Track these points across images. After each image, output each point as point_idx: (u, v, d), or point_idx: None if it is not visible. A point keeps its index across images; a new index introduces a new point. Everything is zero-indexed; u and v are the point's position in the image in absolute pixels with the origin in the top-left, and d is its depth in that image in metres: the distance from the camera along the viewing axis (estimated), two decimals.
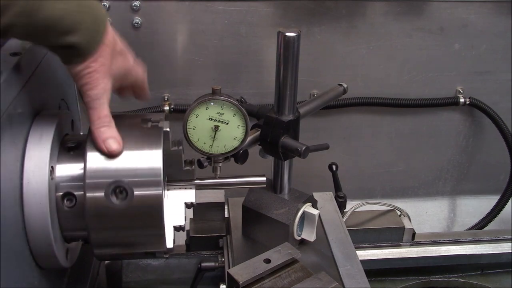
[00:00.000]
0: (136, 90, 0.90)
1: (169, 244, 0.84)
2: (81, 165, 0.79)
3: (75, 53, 0.72)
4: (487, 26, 1.57)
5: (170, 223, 0.86)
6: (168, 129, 0.83)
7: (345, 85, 1.17)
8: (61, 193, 0.80)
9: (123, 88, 0.88)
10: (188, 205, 0.90)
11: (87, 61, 0.74)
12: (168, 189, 0.88)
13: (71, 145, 0.84)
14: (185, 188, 0.90)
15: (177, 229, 0.87)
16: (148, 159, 0.80)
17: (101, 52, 0.75)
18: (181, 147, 0.88)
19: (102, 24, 0.75)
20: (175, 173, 0.89)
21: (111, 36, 0.77)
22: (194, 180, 0.91)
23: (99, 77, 0.75)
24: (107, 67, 0.76)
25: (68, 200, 0.81)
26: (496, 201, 1.72)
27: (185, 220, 0.88)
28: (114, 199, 0.78)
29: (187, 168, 0.90)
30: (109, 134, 0.78)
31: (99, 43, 0.74)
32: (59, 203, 0.81)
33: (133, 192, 0.78)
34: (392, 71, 1.61)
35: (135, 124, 0.83)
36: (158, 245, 0.83)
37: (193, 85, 1.54)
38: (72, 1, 0.70)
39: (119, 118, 0.82)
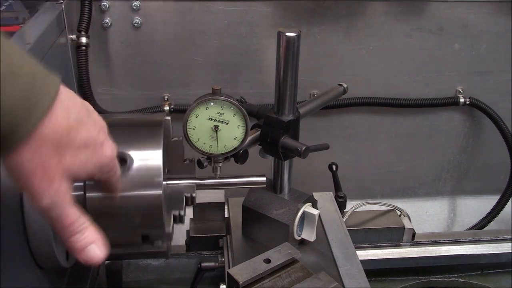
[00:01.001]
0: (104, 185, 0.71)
1: (168, 228, 0.84)
2: None
3: None
4: (487, 26, 1.57)
5: (170, 211, 0.86)
6: (168, 118, 0.83)
7: (345, 85, 1.17)
8: None
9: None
10: (188, 200, 0.89)
11: (17, 157, 0.52)
12: (168, 184, 0.88)
13: None
14: (185, 183, 0.90)
15: (176, 219, 0.86)
16: (148, 167, 0.79)
17: (36, 148, 0.53)
18: (181, 138, 0.87)
19: (41, 107, 0.52)
20: (175, 165, 0.89)
21: (60, 123, 0.54)
22: (195, 177, 0.91)
23: (41, 181, 0.55)
24: (52, 167, 0.55)
25: None
26: (496, 201, 1.72)
27: (185, 212, 0.88)
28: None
29: (187, 161, 0.90)
30: (85, 241, 0.61)
31: (28, 134, 0.51)
32: None
33: (132, 160, 0.77)
34: (392, 71, 1.61)
35: (134, 130, 0.82)
36: (158, 234, 0.82)
37: (193, 85, 1.54)
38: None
39: (119, 117, 0.82)
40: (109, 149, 0.64)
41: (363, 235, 1.42)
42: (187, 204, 0.90)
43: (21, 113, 0.50)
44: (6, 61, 0.49)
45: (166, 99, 1.54)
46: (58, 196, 0.57)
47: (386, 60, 1.59)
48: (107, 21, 1.42)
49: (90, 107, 0.62)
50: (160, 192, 0.79)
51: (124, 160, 0.77)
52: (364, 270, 1.04)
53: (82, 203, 0.78)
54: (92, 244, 0.62)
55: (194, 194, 0.89)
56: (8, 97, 0.49)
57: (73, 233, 0.60)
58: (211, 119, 0.89)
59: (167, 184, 0.87)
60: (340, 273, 1.03)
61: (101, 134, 0.62)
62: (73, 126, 0.56)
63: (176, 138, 0.87)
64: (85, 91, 1.39)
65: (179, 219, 0.87)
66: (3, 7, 1.26)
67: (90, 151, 0.59)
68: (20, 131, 0.51)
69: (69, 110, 0.56)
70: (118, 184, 0.71)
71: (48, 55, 0.95)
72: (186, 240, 1.27)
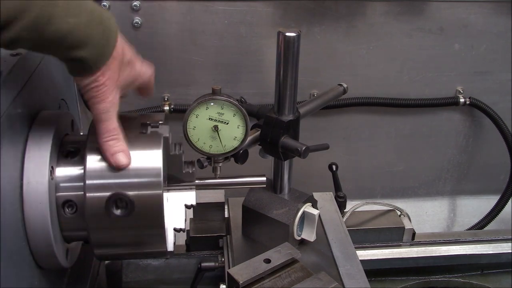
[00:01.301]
0: (141, 91, 0.89)
1: (170, 247, 0.84)
2: (81, 166, 0.79)
3: (83, 67, 0.71)
4: (487, 26, 1.57)
5: (171, 226, 0.86)
6: (167, 135, 0.83)
7: (345, 85, 1.17)
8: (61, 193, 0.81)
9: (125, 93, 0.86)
10: (188, 207, 0.90)
11: (95, 75, 0.73)
12: (168, 191, 0.88)
13: (70, 149, 0.84)
14: (185, 190, 0.90)
15: (177, 230, 0.87)
16: (147, 167, 0.79)
17: (109, 66, 0.74)
18: (181, 151, 0.88)
19: (112, 38, 0.74)
20: (175, 175, 0.89)
21: (120, 48, 0.76)
22: (194, 181, 0.91)
23: (107, 91, 0.74)
24: (114, 80, 0.75)
25: (68, 207, 0.81)
26: (496, 201, 1.72)
27: (185, 222, 0.88)
28: (114, 210, 0.78)
29: (188, 170, 0.90)
30: (118, 148, 0.77)
31: (108, 57, 0.73)
32: (59, 204, 0.81)
33: (133, 204, 0.78)
34: (392, 71, 1.61)
35: (134, 129, 0.82)
36: (159, 248, 0.83)
37: (193, 85, 1.54)
38: (83, 15, 0.69)
39: (119, 117, 0.82)
40: (139, 63, 0.82)
41: (363, 235, 1.42)
42: (187, 208, 0.90)
43: (103, 45, 0.72)
44: (88, 11, 0.70)
45: (166, 99, 1.54)
46: (112, 103, 0.76)
47: (386, 60, 1.59)
48: None
49: (123, 36, 0.80)
50: (160, 192, 0.79)
51: (125, 202, 0.78)
52: (364, 270, 1.04)
53: (82, 203, 0.78)
54: (122, 152, 0.77)
55: (194, 204, 0.89)
56: (95, 35, 0.70)
57: (112, 138, 0.77)
58: (211, 119, 0.89)
59: (166, 188, 0.87)
60: (340, 273, 1.03)
61: (133, 53, 0.81)
62: (124, 49, 0.77)
63: (175, 153, 0.87)
64: None
65: (180, 230, 0.88)
66: None
67: (130, 66, 0.80)
68: (104, 56, 0.72)
69: (121, 39, 0.76)
70: (151, 82, 0.88)
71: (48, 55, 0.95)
72: (186, 240, 1.27)
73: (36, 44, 0.68)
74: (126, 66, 0.78)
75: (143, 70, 0.84)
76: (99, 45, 0.71)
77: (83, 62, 0.70)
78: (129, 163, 0.78)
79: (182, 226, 0.87)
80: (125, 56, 0.77)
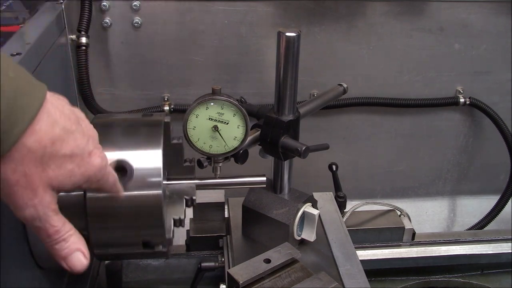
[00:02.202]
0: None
1: (169, 234, 0.84)
2: None
3: None
4: (487, 26, 1.57)
5: (170, 215, 0.86)
6: (168, 120, 0.83)
7: (345, 85, 1.17)
8: None
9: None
10: (188, 201, 0.89)
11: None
12: (168, 184, 0.88)
13: None
14: (185, 185, 0.90)
15: (176, 223, 0.86)
16: (147, 167, 0.79)
17: (19, 159, 0.54)
18: (181, 140, 0.88)
19: (23, 120, 0.52)
20: (175, 168, 0.89)
21: (45, 134, 0.55)
22: (194, 177, 0.91)
23: (24, 192, 0.55)
24: (36, 178, 0.55)
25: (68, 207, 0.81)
26: (496, 201, 1.72)
27: (185, 215, 0.88)
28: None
29: (187, 164, 0.90)
30: (69, 249, 0.61)
31: (10, 146, 0.52)
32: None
33: (132, 170, 0.77)
34: (392, 71, 1.61)
35: (134, 131, 0.82)
36: (158, 236, 0.83)
37: (193, 85, 1.54)
38: None
39: (119, 117, 0.82)
40: (98, 158, 0.62)
41: (363, 235, 1.42)
42: (187, 205, 0.90)
43: (3, 126, 0.51)
44: None
45: (166, 99, 1.54)
46: (41, 206, 0.57)
47: (386, 60, 1.59)
48: (107, 21, 1.42)
49: (81, 115, 0.62)
50: (160, 192, 0.79)
51: (124, 170, 0.77)
52: (364, 270, 1.04)
53: (82, 203, 0.78)
54: (76, 252, 0.62)
55: (194, 197, 0.89)
56: None
57: (57, 241, 0.60)
58: (211, 119, 0.89)
59: (166, 184, 0.87)
60: (340, 273, 1.03)
61: (89, 144, 0.61)
62: (59, 137, 0.56)
63: (176, 141, 0.87)
64: (85, 91, 1.39)
65: (179, 223, 0.87)
66: (3, 7, 1.26)
67: (76, 161, 0.59)
68: (3, 144, 0.51)
69: (55, 121, 0.56)
70: (113, 190, 0.70)
71: (48, 55, 0.95)
72: (186, 240, 1.27)
73: None
74: (62, 161, 0.57)
75: (107, 171, 0.65)
76: None
77: None
78: (87, 262, 0.63)
79: (182, 216, 0.86)
80: (57, 147, 0.56)
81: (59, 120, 0.57)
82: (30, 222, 0.58)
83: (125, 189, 0.76)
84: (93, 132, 0.63)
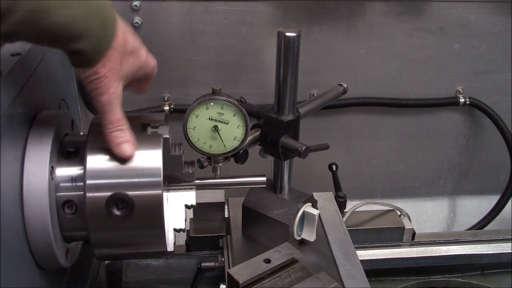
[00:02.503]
0: (141, 84, 0.88)
1: (170, 247, 0.84)
2: (81, 166, 0.79)
3: (83, 59, 0.70)
4: (487, 26, 1.57)
5: (171, 226, 0.86)
6: (167, 136, 0.83)
7: (345, 85, 1.17)
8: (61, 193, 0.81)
9: (133, 80, 0.85)
10: (188, 207, 0.90)
11: (95, 67, 0.71)
12: (168, 191, 0.88)
13: (70, 149, 0.84)
14: (185, 190, 0.90)
15: (177, 231, 0.87)
16: (147, 167, 0.79)
17: (109, 57, 0.72)
18: (181, 152, 0.87)
19: (111, 28, 0.72)
20: (175, 175, 0.89)
21: (121, 38, 0.74)
22: (194, 180, 0.91)
23: (108, 82, 0.73)
24: (116, 71, 0.74)
25: (68, 207, 0.81)
26: (496, 201, 1.72)
27: (185, 222, 0.88)
28: (115, 210, 0.78)
29: (188, 170, 0.90)
30: (122, 139, 0.77)
31: (107, 48, 0.71)
32: (59, 204, 0.81)
33: (133, 204, 0.78)
34: (392, 71, 1.61)
35: (134, 130, 0.82)
36: (159, 248, 0.83)
37: (193, 85, 1.54)
38: (80, 6, 0.67)
39: None
40: (144, 51, 0.82)
41: (363, 235, 1.42)
42: (186, 208, 0.90)
43: (102, 36, 0.70)
44: (86, 3, 0.67)
45: (166, 99, 1.54)
46: (116, 94, 0.75)
47: (386, 60, 1.59)
48: None
49: (127, 26, 0.78)
50: (160, 192, 0.79)
51: (125, 202, 0.78)
52: (364, 270, 1.04)
53: (82, 203, 0.78)
54: (127, 143, 0.77)
55: (194, 204, 0.89)
56: (93, 26, 0.68)
57: (116, 129, 0.76)
58: (211, 119, 0.89)
59: (167, 188, 0.87)
60: (340, 273, 1.03)
61: (137, 43, 0.80)
62: (125, 39, 0.75)
63: (175, 153, 0.87)
64: (85, 91, 1.39)
65: (180, 230, 0.88)
66: None
67: (134, 55, 0.78)
68: (102, 47, 0.71)
69: (122, 29, 0.75)
70: (154, 71, 0.87)
71: (48, 55, 0.95)
72: (186, 240, 1.27)
73: (33, 37, 0.67)
74: (129, 56, 0.77)
75: (148, 59, 0.84)
76: (97, 36, 0.69)
77: (82, 55, 0.69)
78: (134, 153, 0.78)
79: (182, 226, 0.87)
80: (127, 46, 0.76)
81: (123, 28, 0.75)
82: (104, 106, 0.75)
83: (127, 226, 0.79)
84: (135, 34, 0.80)
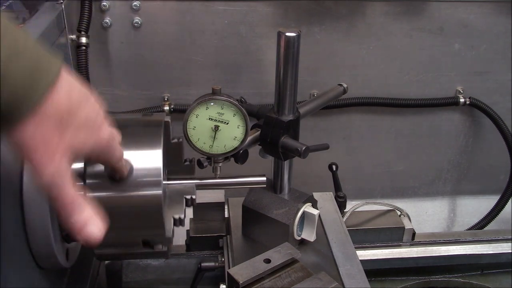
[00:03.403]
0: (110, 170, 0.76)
1: (168, 233, 0.84)
2: (81, 166, 0.79)
3: None
4: (487, 26, 1.57)
5: (170, 214, 0.86)
6: (168, 120, 0.83)
7: (345, 85, 1.17)
8: None
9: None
10: (188, 201, 0.89)
11: (17, 131, 0.54)
12: (168, 183, 0.88)
13: None
14: (185, 184, 0.90)
15: (176, 222, 0.86)
16: (147, 167, 0.79)
17: (38, 125, 0.55)
18: (181, 139, 0.88)
19: (43, 86, 0.54)
20: (175, 167, 0.89)
21: (63, 102, 0.56)
22: (194, 177, 0.91)
23: (43, 159, 0.56)
24: (53, 145, 0.57)
25: None
26: (496, 201, 1.72)
27: (185, 215, 0.88)
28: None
29: (187, 163, 0.90)
30: (84, 221, 0.62)
31: (30, 108, 0.53)
32: None
33: (132, 168, 0.77)
34: (392, 71, 1.61)
35: (134, 130, 0.82)
36: (158, 234, 0.83)
37: (193, 85, 1.54)
38: (4, 47, 0.50)
39: (119, 117, 0.82)
40: (107, 132, 0.66)
41: (363, 235, 1.42)
42: (187, 205, 0.90)
43: (25, 90, 0.52)
44: (11, 41, 0.51)
45: (166, 99, 1.54)
46: (59, 173, 0.58)
47: (386, 60, 1.59)
48: (107, 21, 1.43)
49: (89, 91, 0.63)
50: (160, 192, 0.79)
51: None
52: (364, 270, 1.04)
53: None
54: (91, 224, 0.63)
55: (194, 196, 0.89)
56: (13, 75, 0.51)
57: (72, 212, 0.61)
58: (211, 119, 0.89)
59: (166, 184, 0.87)
60: (340, 273, 1.03)
61: (99, 117, 0.64)
62: (73, 105, 0.58)
63: (176, 140, 0.87)
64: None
65: (179, 222, 0.87)
66: (3, 7, 1.26)
67: (89, 131, 0.61)
68: (24, 107, 0.53)
69: (70, 91, 0.58)
70: (118, 165, 0.73)
71: None
72: (186, 240, 1.27)
73: None
74: (77, 129, 0.59)
75: (113, 145, 0.69)
76: (18, 89, 0.52)
77: None
78: (102, 234, 0.64)
79: (182, 216, 0.86)
80: (73, 115, 0.58)
81: (73, 91, 0.59)
82: (48, 189, 0.59)
83: (128, 226, 0.78)
84: (100, 108, 0.65)
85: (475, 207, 1.85)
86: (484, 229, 1.73)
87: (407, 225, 1.43)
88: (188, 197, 0.89)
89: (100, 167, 0.78)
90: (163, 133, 0.82)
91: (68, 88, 0.58)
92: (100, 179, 0.78)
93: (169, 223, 0.85)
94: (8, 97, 0.51)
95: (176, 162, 0.90)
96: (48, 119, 0.55)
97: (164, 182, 0.81)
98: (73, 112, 0.58)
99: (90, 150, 0.64)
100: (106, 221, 0.70)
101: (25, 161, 0.59)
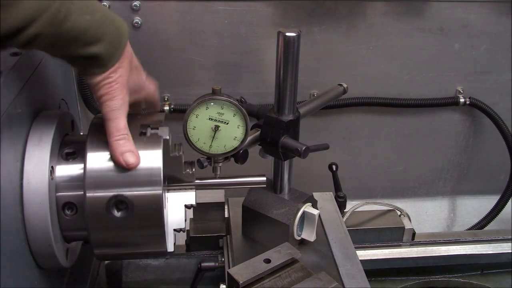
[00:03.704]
0: (147, 105, 0.92)
1: (170, 247, 0.84)
2: (81, 166, 0.79)
3: (97, 64, 0.73)
4: (487, 26, 1.57)
5: (171, 227, 0.86)
6: (167, 137, 0.83)
7: (345, 85, 1.17)
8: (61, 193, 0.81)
9: (134, 103, 0.87)
10: (188, 207, 0.90)
11: (107, 72, 0.74)
12: (168, 191, 0.88)
13: (70, 149, 0.84)
14: (185, 190, 0.90)
15: (177, 231, 0.87)
16: (147, 167, 0.79)
17: (121, 64, 0.76)
18: (181, 153, 0.88)
19: (124, 37, 0.76)
20: (175, 176, 0.89)
21: (130, 49, 0.79)
22: (194, 181, 0.91)
23: (118, 88, 0.76)
24: (125, 79, 0.77)
25: (68, 207, 0.81)
26: (496, 201, 1.72)
27: (186, 222, 0.88)
28: (115, 211, 0.78)
29: (188, 171, 0.90)
30: (127, 148, 0.77)
31: (120, 55, 0.76)
32: (59, 204, 0.81)
33: (133, 205, 0.78)
34: (392, 71, 1.61)
35: (134, 130, 0.82)
36: (159, 248, 0.83)
37: (193, 85, 1.54)
38: (98, 13, 0.72)
39: None
40: (144, 73, 0.87)
41: (363, 235, 1.42)
42: (186, 208, 0.90)
43: (116, 41, 0.75)
44: (101, 9, 0.73)
45: (166, 99, 1.54)
46: (124, 101, 0.77)
47: (386, 60, 1.59)
48: None
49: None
50: (160, 192, 0.79)
51: (125, 203, 0.78)
52: (364, 270, 1.04)
53: (82, 203, 0.78)
54: (130, 152, 0.78)
55: (194, 204, 0.89)
56: (110, 31, 0.73)
57: (121, 137, 0.77)
58: (211, 119, 0.89)
59: (167, 188, 0.87)
60: (340, 273, 1.03)
61: (139, 62, 0.85)
62: (132, 54, 0.80)
63: (176, 154, 0.87)
64: (85, 91, 1.39)
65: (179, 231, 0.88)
66: None
67: (138, 72, 0.83)
68: (117, 53, 0.75)
69: (129, 45, 0.80)
70: (155, 100, 0.93)
71: (48, 55, 0.95)
72: (186, 240, 1.27)
73: (54, 41, 0.69)
74: (134, 69, 0.81)
75: (148, 83, 0.88)
76: (112, 42, 0.74)
77: (97, 59, 0.72)
78: (137, 163, 0.78)
79: (182, 226, 0.87)
80: (133, 59, 0.81)
81: (129, 44, 0.79)
82: (112, 112, 0.76)
83: (128, 226, 0.79)
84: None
85: (475, 207, 1.85)
86: (484, 229, 1.73)
87: (407, 225, 1.43)
88: (189, 204, 0.89)
89: (100, 167, 0.78)
90: (162, 149, 0.82)
91: (129, 43, 0.79)
92: (100, 179, 0.78)
93: (170, 237, 0.85)
94: (107, 47, 0.73)
95: (176, 175, 0.90)
96: (125, 60, 0.77)
97: (164, 186, 0.81)
98: (133, 57, 0.81)
99: (137, 86, 0.84)
100: (105, 221, 0.71)
101: (98, 95, 0.76)
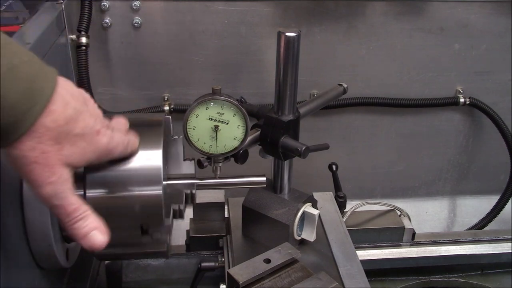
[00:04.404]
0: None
1: (168, 220, 0.84)
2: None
3: None
4: (487, 26, 1.57)
5: (169, 205, 0.86)
6: (169, 116, 0.83)
7: (345, 85, 1.17)
8: None
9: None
10: (187, 196, 0.89)
11: (18, 149, 0.57)
12: (168, 182, 0.88)
13: None
14: (185, 183, 0.90)
15: (176, 214, 0.86)
16: (147, 167, 0.79)
17: (38, 138, 0.57)
18: (181, 136, 0.88)
19: (41, 100, 0.56)
20: (175, 163, 0.89)
21: (60, 115, 0.58)
22: (195, 177, 0.91)
23: (43, 170, 0.59)
24: (53, 155, 0.59)
25: None
26: (496, 201, 1.72)
27: (185, 206, 0.88)
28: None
29: (187, 160, 0.90)
30: (88, 227, 0.65)
31: (28, 126, 0.56)
32: None
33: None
34: (392, 71, 1.61)
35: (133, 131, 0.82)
36: (159, 248, 0.83)
37: (193, 85, 1.54)
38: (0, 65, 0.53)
39: None
40: (104, 137, 0.66)
41: (363, 235, 1.42)
42: (187, 202, 0.90)
43: (22, 107, 0.54)
44: (6, 61, 0.53)
45: (166, 99, 1.54)
46: (60, 184, 0.60)
47: (386, 60, 1.59)
48: (107, 21, 1.42)
49: (87, 96, 0.65)
50: (160, 192, 0.79)
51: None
52: (364, 270, 1.04)
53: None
54: (94, 231, 0.65)
55: (194, 191, 0.89)
56: (10, 93, 0.53)
57: (76, 220, 0.63)
58: (211, 119, 0.89)
59: (167, 184, 0.87)
60: (340, 273, 1.03)
61: (97, 123, 0.65)
62: (71, 117, 0.60)
63: (176, 137, 0.87)
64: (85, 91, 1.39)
65: (179, 214, 0.87)
66: (3, 7, 1.26)
67: (87, 140, 0.63)
68: (22, 123, 0.55)
69: (67, 102, 0.60)
70: (125, 155, 0.75)
71: (48, 55, 0.95)
72: (186, 240, 1.27)
73: None
74: (77, 139, 0.61)
75: (113, 145, 0.70)
76: (16, 107, 0.54)
77: None
78: (105, 239, 0.66)
79: (181, 207, 0.86)
80: (71, 126, 0.60)
81: (70, 101, 0.60)
82: (49, 200, 0.61)
83: (128, 226, 0.78)
84: (99, 111, 0.67)
85: (475, 207, 1.85)
86: (484, 229, 1.73)
87: (407, 225, 1.43)
88: (188, 192, 0.89)
89: (100, 166, 0.78)
90: (163, 131, 0.82)
91: (65, 100, 0.59)
92: (100, 179, 0.78)
93: (168, 213, 0.85)
94: (6, 114, 0.53)
95: (176, 159, 0.90)
96: (46, 133, 0.57)
97: (164, 182, 0.81)
98: (71, 124, 0.60)
99: (91, 157, 0.65)
100: (105, 221, 0.70)
101: (23, 177, 0.60)
